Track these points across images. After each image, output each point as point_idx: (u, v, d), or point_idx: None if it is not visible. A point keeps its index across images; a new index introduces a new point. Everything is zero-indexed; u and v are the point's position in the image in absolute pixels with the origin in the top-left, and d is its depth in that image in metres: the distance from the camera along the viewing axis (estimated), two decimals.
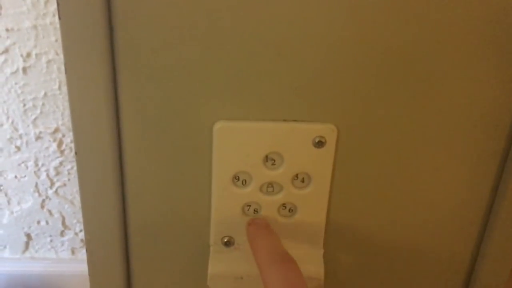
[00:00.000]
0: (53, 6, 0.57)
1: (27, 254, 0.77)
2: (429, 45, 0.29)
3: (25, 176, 0.69)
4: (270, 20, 0.28)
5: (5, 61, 0.59)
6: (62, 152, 0.67)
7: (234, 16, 0.28)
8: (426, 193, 0.33)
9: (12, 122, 0.64)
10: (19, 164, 0.68)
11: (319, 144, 0.31)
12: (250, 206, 0.33)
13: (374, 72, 0.29)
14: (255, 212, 0.33)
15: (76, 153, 0.30)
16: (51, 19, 0.58)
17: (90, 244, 0.33)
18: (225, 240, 0.34)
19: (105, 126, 0.30)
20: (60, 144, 0.66)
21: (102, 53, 0.28)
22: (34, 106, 0.63)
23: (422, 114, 0.31)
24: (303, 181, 0.32)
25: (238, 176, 0.32)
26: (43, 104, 0.63)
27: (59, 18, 0.26)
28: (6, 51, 0.59)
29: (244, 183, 0.32)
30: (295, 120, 0.31)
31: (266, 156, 0.31)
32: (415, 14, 0.28)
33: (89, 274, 0.35)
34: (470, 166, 0.33)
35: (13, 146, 0.66)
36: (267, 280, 0.27)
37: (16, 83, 0.61)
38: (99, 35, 0.27)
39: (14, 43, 0.59)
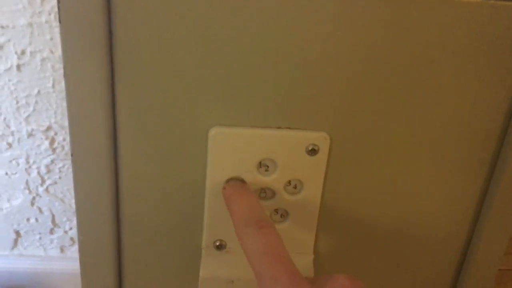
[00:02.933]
0: (49, 4, 0.57)
1: (16, 251, 0.77)
2: (420, 56, 0.29)
3: (16, 173, 0.69)
4: (266, 30, 0.28)
5: None
6: (54, 150, 0.67)
7: (230, 25, 0.28)
8: (417, 200, 0.34)
9: (5, 119, 0.64)
10: (10, 161, 0.68)
11: (312, 151, 0.31)
12: None
13: (366, 82, 0.30)
14: None
15: (72, 154, 0.31)
16: (47, 17, 0.58)
17: (83, 244, 0.34)
18: (217, 244, 0.34)
19: (102, 128, 0.30)
20: (52, 142, 0.66)
21: (101, 57, 0.28)
22: (27, 103, 0.63)
23: (412, 123, 0.32)
24: (295, 187, 0.33)
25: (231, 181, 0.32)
26: (36, 102, 0.63)
27: (59, 21, 0.27)
28: (0, 48, 0.59)
29: None
30: (289, 128, 0.31)
31: (260, 162, 0.32)
32: (406, 27, 0.29)
33: (81, 274, 0.35)
34: (459, 174, 0.33)
35: (4, 143, 0.66)
36: (246, 247, 0.26)
37: (9, 80, 0.61)
38: (99, 39, 0.27)
39: (9, 40, 0.59)
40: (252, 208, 0.28)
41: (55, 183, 0.70)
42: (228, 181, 0.32)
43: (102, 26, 0.27)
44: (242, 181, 0.31)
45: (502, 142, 0.32)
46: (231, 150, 0.31)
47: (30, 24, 0.58)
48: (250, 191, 0.30)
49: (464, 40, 0.29)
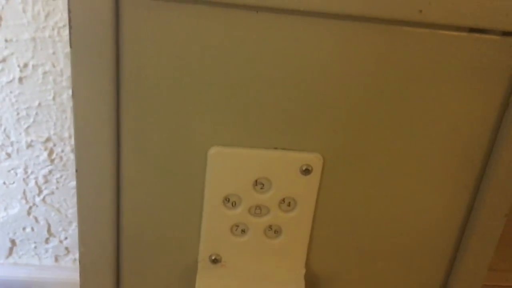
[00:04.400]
0: (52, 20, 0.58)
1: (11, 260, 0.77)
2: (411, 83, 0.31)
3: (13, 182, 0.70)
4: (264, 55, 0.30)
5: (2, 70, 0.61)
6: (52, 161, 0.68)
7: (230, 51, 0.30)
8: (408, 218, 0.36)
9: (5, 130, 0.65)
10: (9, 171, 0.69)
11: (306, 171, 0.33)
12: (238, 226, 0.35)
13: (359, 107, 0.32)
14: (243, 232, 0.35)
15: (76, 170, 0.32)
16: (50, 33, 0.59)
17: (84, 256, 0.35)
18: (213, 258, 0.36)
19: (106, 147, 0.32)
20: (50, 153, 0.68)
21: (107, 80, 0.30)
22: (28, 115, 0.64)
23: (403, 146, 0.33)
24: (289, 205, 0.34)
25: (228, 198, 0.34)
26: (36, 114, 0.64)
27: (70, 46, 0.28)
28: (3, 60, 0.60)
29: (234, 204, 0.34)
30: (284, 149, 0.33)
31: (256, 181, 0.33)
32: (399, 55, 0.30)
33: (80, 285, 0.36)
34: (445, 195, 0.35)
35: (3, 153, 0.67)
36: None
37: (11, 92, 0.62)
38: (107, 64, 0.29)
39: (12, 53, 0.60)
40: None
41: (52, 193, 0.71)
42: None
43: (111, 52, 0.28)
44: None
45: (485, 165, 0.34)
46: (229, 168, 0.33)
47: (34, 39, 0.59)
48: None
49: (452, 69, 0.31)
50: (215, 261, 0.36)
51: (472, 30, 0.30)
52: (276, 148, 0.33)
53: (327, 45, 0.30)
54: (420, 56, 0.30)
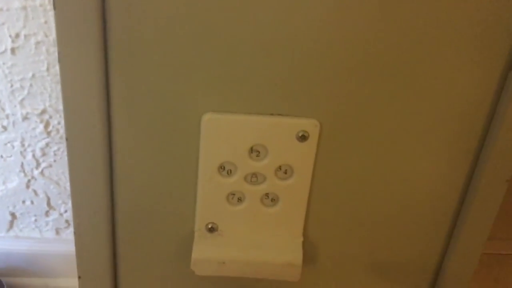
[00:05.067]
0: None
1: (11, 233, 0.78)
2: (410, 47, 0.30)
3: (11, 156, 0.70)
4: (258, 18, 0.29)
5: None
6: (48, 133, 0.68)
7: (223, 13, 0.29)
8: (405, 184, 0.35)
9: None
10: (5, 144, 0.68)
11: (302, 138, 0.32)
12: (234, 194, 0.34)
13: (356, 72, 0.31)
14: (239, 201, 0.35)
15: (66, 139, 0.31)
16: (41, 1, 0.58)
17: (79, 227, 0.34)
18: (209, 227, 0.35)
19: (96, 114, 0.31)
20: (47, 125, 0.67)
21: (95, 43, 0.28)
22: (22, 87, 0.63)
23: (401, 111, 0.32)
24: (286, 172, 0.34)
25: (223, 166, 0.33)
26: (30, 85, 0.63)
27: (54, 8, 0.27)
28: None
29: (229, 172, 0.33)
30: (280, 115, 0.32)
31: (251, 148, 0.33)
32: (397, 19, 0.29)
33: (76, 256, 0.36)
34: (445, 161, 0.34)
35: None
36: None
37: (4, 63, 0.61)
38: (93, 24, 0.28)
39: (2, 23, 0.59)
40: None
41: (50, 166, 0.71)
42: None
43: (96, 12, 0.27)
44: None
45: (487, 130, 0.33)
46: (223, 135, 0.32)
47: (24, 7, 0.57)
48: None
49: (452, 33, 0.30)
50: (211, 230, 0.35)
51: None
52: (272, 114, 0.32)
53: (324, 7, 0.29)
54: (419, 19, 0.29)
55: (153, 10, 0.28)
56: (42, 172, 0.71)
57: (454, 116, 0.33)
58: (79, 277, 0.36)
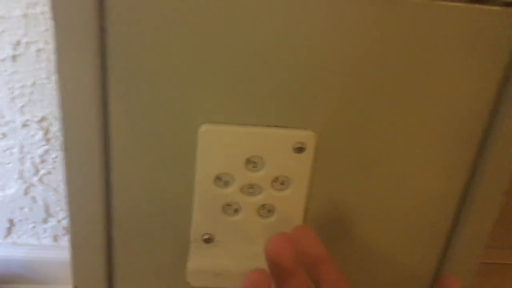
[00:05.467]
0: None
1: (9, 240, 0.78)
2: (408, 59, 0.30)
3: (9, 162, 0.70)
4: (255, 30, 0.29)
5: None
6: (48, 140, 0.68)
7: (221, 24, 0.29)
8: (401, 194, 0.35)
9: None
10: (4, 151, 0.69)
11: (299, 149, 0.32)
12: (230, 205, 0.34)
13: (353, 83, 0.31)
14: (235, 212, 0.34)
15: (64, 149, 0.31)
16: (42, 9, 0.58)
17: (75, 236, 0.34)
18: (205, 237, 0.35)
19: (94, 123, 0.31)
20: (46, 132, 0.67)
21: (93, 54, 0.29)
22: (22, 94, 0.63)
23: (398, 122, 0.32)
24: (282, 183, 0.34)
25: (220, 177, 0.33)
26: (31, 93, 0.64)
27: (53, 19, 0.27)
28: None
29: (226, 184, 0.33)
30: (277, 126, 0.32)
31: (248, 159, 0.33)
32: (396, 28, 0.29)
33: (71, 265, 0.36)
34: (443, 171, 0.34)
35: None
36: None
37: (5, 70, 0.62)
38: (91, 36, 0.28)
39: (3, 31, 0.59)
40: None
41: (49, 173, 0.71)
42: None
43: (95, 24, 0.27)
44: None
45: (485, 139, 0.33)
46: (220, 146, 0.32)
47: (26, 15, 0.58)
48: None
49: (451, 41, 0.30)
50: (207, 240, 0.35)
51: (472, 0, 0.28)
52: (268, 126, 0.32)
53: (321, 17, 0.29)
54: (417, 28, 0.29)
55: (151, 21, 0.28)
56: (41, 179, 0.71)
57: (452, 125, 0.33)
58: (75, 287, 0.36)
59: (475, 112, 0.32)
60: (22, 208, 0.74)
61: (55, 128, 0.67)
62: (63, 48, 0.28)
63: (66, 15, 0.28)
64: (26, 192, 0.73)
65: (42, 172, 0.70)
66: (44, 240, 0.78)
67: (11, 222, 0.75)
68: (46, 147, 0.68)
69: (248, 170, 0.33)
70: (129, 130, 0.32)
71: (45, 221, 0.76)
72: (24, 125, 0.66)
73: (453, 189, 0.35)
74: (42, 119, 0.65)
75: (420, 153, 0.33)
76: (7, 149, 0.68)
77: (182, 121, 0.32)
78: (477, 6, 0.29)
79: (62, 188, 0.72)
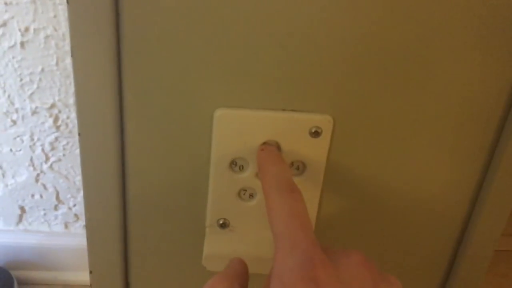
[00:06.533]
0: None
1: (21, 227, 0.78)
2: (424, 42, 0.30)
3: (20, 150, 0.70)
4: (272, 13, 0.29)
5: (3, 35, 0.59)
6: (58, 127, 0.68)
7: (237, 7, 0.28)
8: (418, 181, 0.35)
9: (9, 96, 0.65)
10: (15, 138, 0.69)
11: (315, 134, 0.32)
12: (246, 190, 0.34)
13: (370, 67, 0.30)
14: (251, 197, 0.34)
15: (79, 134, 0.31)
16: None
17: (90, 222, 0.34)
18: (221, 222, 0.35)
19: (108, 109, 0.31)
20: (56, 119, 0.67)
21: (107, 38, 0.28)
22: (31, 81, 0.63)
23: (415, 107, 0.32)
24: (298, 168, 0.33)
25: (235, 162, 0.33)
26: (40, 79, 0.64)
27: (68, 2, 0.27)
28: (4, 24, 0.59)
29: (241, 168, 0.33)
30: (293, 110, 0.32)
31: (264, 143, 0.32)
32: (411, 12, 0.29)
33: (88, 251, 0.36)
34: (458, 160, 0.34)
35: (9, 120, 0.66)
36: (273, 207, 0.26)
37: (13, 57, 0.61)
38: (106, 21, 0.28)
39: (12, 17, 0.59)
40: (286, 174, 0.29)
41: (59, 160, 0.71)
42: (264, 143, 0.32)
43: (109, 8, 0.27)
44: (277, 147, 0.32)
45: (503, 125, 0.33)
46: (235, 131, 0.32)
47: (34, 1, 0.57)
48: (282, 158, 0.31)
49: (467, 27, 0.29)
50: (223, 225, 0.35)
51: None
52: (284, 110, 0.32)
53: (337, 2, 0.28)
54: (434, 12, 0.29)
55: (166, 5, 0.28)
56: (51, 166, 0.71)
57: (468, 111, 0.32)
58: (91, 272, 0.36)
59: (492, 99, 0.32)
60: (33, 195, 0.74)
61: (65, 115, 0.67)
62: (77, 32, 0.28)
63: (81, 1, 0.27)
64: (36, 180, 0.73)
65: (52, 159, 0.71)
66: (55, 227, 0.79)
67: (22, 209, 0.76)
68: (56, 134, 0.68)
69: None
70: (144, 115, 0.31)
71: (56, 208, 0.76)
72: (34, 112, 0.66)
73: (470, 175, 0.35)
74: (52, 106, 0.65)
75: (436, 141, 0.33)
76: (18, 136, 0.68)
77: (197, 105, 0.31)
78: None
79: (72, 175, 0.73)
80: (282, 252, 0.23)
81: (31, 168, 0.72)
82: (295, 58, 0.30)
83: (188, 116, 0.32)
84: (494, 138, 0.33)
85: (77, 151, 0.71)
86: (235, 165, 0.33)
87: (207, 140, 0.32)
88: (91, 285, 0.37)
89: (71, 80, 0.64)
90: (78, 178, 0.72)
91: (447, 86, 0.31)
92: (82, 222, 0.77)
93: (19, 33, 0.60)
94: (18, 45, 0.61)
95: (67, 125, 0.68)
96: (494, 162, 0.34)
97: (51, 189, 0.74)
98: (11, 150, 0.70)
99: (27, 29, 0.60)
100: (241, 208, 0.35)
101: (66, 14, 0.59)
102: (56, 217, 0.78)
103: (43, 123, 0.67)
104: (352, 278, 0.23)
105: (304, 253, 0.23)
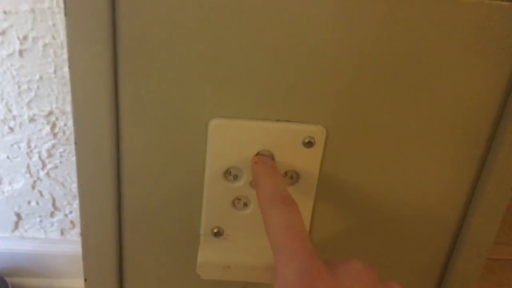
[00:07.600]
0: None
1: (17, 233, 0.78)
2: (416, 55, 0.30)
3: (17, 157, 0.70)
4: (267, 25, 0.29)
5: (2, 43, 0.60)
6: (55, 135, 0.68)
7: (232, 19, 0.29)
8: (411, 191, 0.35)
9: (6, 104, 0.65)
10: (12, 145, 0.69)
11: (309, 144, 0.32)
12: (240, 199, 0.35)
13: (363, 78, 0.31)
14: (245, 206, 0.35)
15: (75, 143, 0.32)
16: (49, 4, 0.58)
17: (86, 229, 0.35)
18: (215, 231, 0.35)
19: (105, 118, 0.31)
20: (53, 127, 0.67)
21: (104, 48, 0.29)
22: (29, 88, 0.64)
23: (407, 117, 0.33)
24: (291, 178, 0.34)
25: (230, 171, 0.33)
26: (38, 87, 0.64)
27: (65, 14, 0.27)
28: (3, 33, 0.59)
29: (235, 177, 0.34)
30: (287, 121, 0.32)
31: (258, 153, 0.33)
32: (403, 25, 0.29)
33: (83, 258, 0.36)
34: (451, 167, 0.35)
35: (6, 127, 0.67)
36: (269, 221, 0.27)
37: (12, 65, 0.62)
38: (103, 30, 0.28)
39: (11, 26, 0.59)
40: (280, 186, 0.29)
41: (56, 167, 0.71)
42: (258, 154, 0.32)
43: (106, 18, 0.28)
44: (271, 157, 0.32)
45: (493, 136, 0.33)
46: (230, 141, 0.32)
47: (33, 10, 0.58)
48: (277, 170, 0.31)
49: (459, 37, 0.30)
50: (217, 234, 0.36)
51: None
52: (278, 120, 0.32)
53: (330, 12, 0.29)
54: (425, 23, 0.29)
55: (162, 16, 0.29)
56: (48, 173, 0.71)
57: (460, 121, 0.33)
58: (85, 279, 0.37)
59: (484, 106, 0.32)
60: (29, 202, 0.75)
61: (62, 122, 0.67)
62: (74, 42, 0.29)
63: (78, 9, 0.28)
64: (33, 186, 0.73)
65: (49, 166, 0.71)
66: (51, 234, 0.79)
67: (18, 216, 0.76)
68: (53, 141, 0.68)
69: None
70: (140, 124, 0.32)
71: (52, 215, 0.76)
72: (31, 119, 0.66)
73: (462, 184, 0.35)
74: (49, 113, 0.66)
75: (429, 148, 0.34)
76: (15, 143, 0.68)
77: (192, 115, 0.32)
78: (486, 1, 0.29)
79: (68, 182, 0.73)
80: (281, 265, 0.24)
81: (28, 175, 0.72)
82: (289, 69, 0.30)
83: (184, 125, 0.32)
84: (486, 148, 0.34)
85: (74, 158, 0.71)
86: (229, 174, 0.34)
87: (202, 149, 0.33)
88: None
89: (68, 88, 0.64)
90: (75, 185, 0.73)
91: (440, 97, 0.32)
92: (78, 229, 0.78)
93: (17, 42, 0.60)
94: (17, 53, 0.61)
95: (64, 132, 0.68)
96: (485, 170, 0.34)
97: (47, 196, 0.75)
98: (8, 157, 0.70)
99: (25, 38, 0.60)
100: (235, 217, 0.35)
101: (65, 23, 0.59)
102: (52, 224, 0.78)
103: (40, 130, 0.68)
104: (353, 286, 0.24)
105: (301, 265, 0.23)
